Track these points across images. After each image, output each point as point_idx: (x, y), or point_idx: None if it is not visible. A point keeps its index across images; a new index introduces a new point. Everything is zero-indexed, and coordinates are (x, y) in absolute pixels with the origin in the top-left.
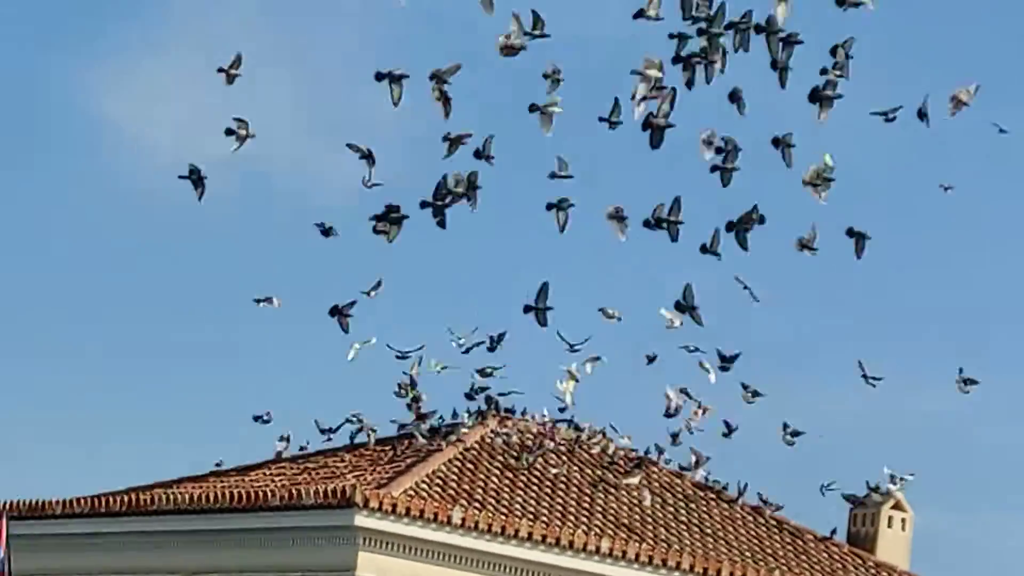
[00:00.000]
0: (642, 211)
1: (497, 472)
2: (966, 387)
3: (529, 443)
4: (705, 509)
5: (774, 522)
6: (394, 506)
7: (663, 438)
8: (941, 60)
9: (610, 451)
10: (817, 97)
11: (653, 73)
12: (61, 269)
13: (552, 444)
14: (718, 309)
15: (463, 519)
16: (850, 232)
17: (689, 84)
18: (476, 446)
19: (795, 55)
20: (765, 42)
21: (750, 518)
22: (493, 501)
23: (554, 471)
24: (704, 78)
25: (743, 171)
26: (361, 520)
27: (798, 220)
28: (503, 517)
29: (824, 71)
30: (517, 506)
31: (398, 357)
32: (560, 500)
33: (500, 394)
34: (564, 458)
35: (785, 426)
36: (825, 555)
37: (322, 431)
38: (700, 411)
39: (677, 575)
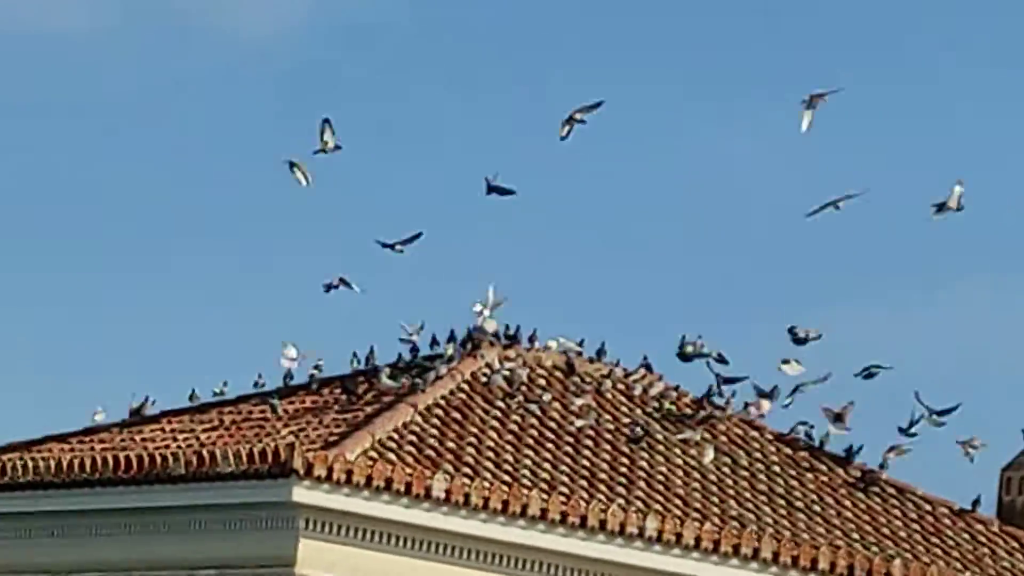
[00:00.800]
0: None
1: (496, 425)
2: None
3: (542, 384)
4: (795, 474)
5: (892, 491)
6: (348, 474)
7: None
8: None
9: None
10: None
11: None
12: None
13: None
14: None
15: (447, 491)
16: None
17: None
18: (465, 387)
19: None
20: None
21: (858, 486)
22: (491, 466)
23: (578, 423)
24: None
25: None
26: (301, 494)
27: None
28: (505, 488)
29: None
30: (525, 473)
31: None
32: (587, 464)
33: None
34: (592, 404)
35: None
36: (966, 535)
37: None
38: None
39: (754, 566)
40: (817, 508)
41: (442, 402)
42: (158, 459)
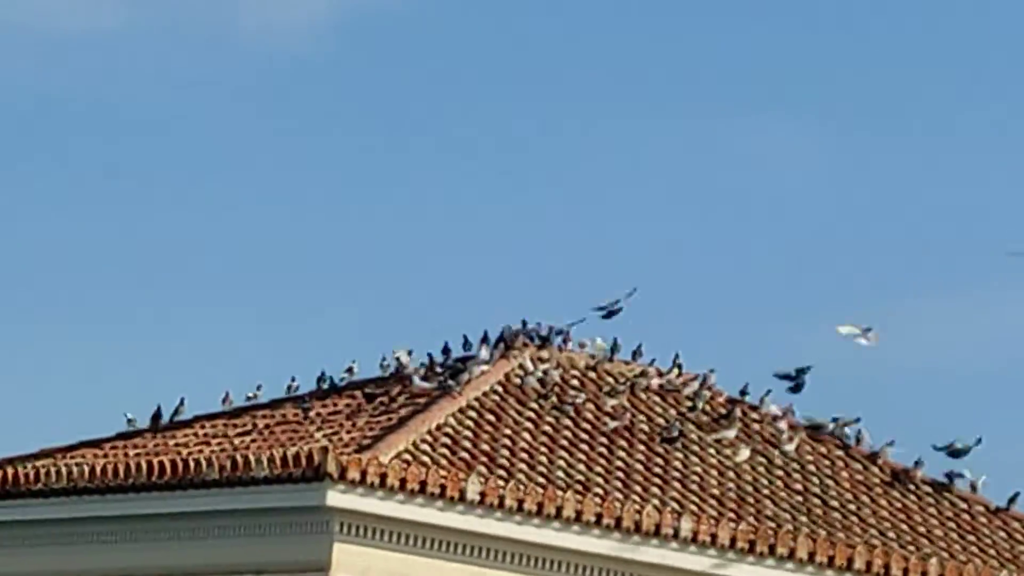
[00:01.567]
0: None
1: (529, 427)
2: None
3: (576, 384)
4: (830, 473)
5: (928, 488)
6: (382, 477)
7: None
8: None
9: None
10: None
11: None
12: None
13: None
14: None
15: (482, 493)
16: None
17: None
18: (499, 389)
19: None
20: None
21: (894, 484)
22: (525, 468)
23: (612, 423)
24: None
25: None
26: (336, 498)
27: None
28: (540, 490)
29: None
30: (560, 474)
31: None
32: (621, 465)
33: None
34: (627, 404)
35: None
36: (1002, 533)
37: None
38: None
39: (790, 566)
40: (852, 507)
41: (476, 404)
42: (192, 464)
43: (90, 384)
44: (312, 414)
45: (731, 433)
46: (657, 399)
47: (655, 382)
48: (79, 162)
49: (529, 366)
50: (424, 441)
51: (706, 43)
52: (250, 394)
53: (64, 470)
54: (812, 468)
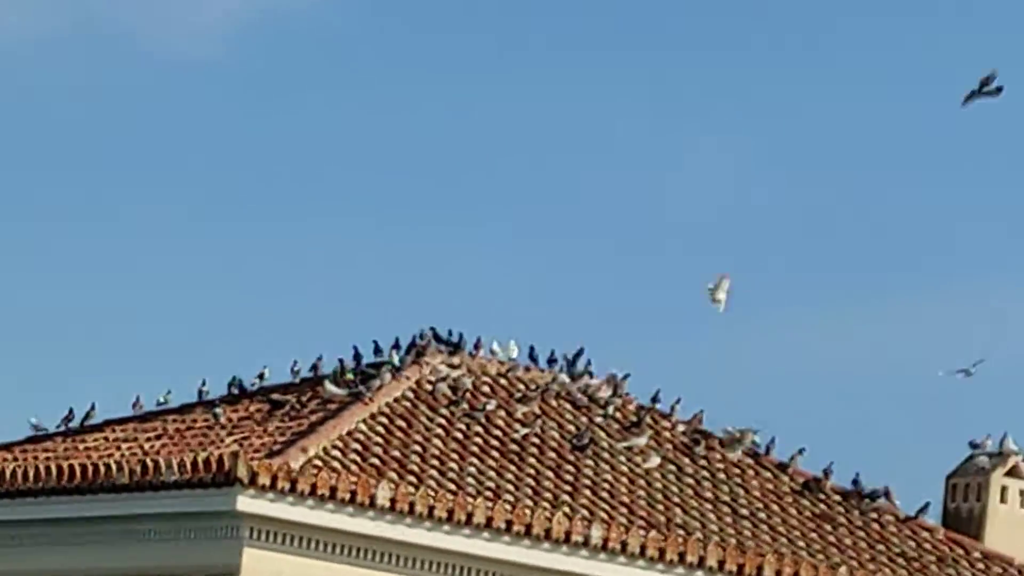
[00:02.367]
0: None
1: (441, 433)
2: None
3: (487, 391)
4: (740, 481)
5: (838, 497)
6: (293, 482)
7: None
8: None
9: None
10: None
11: None
12: None
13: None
14: None
15: (392, 499)
16: None
17: None
18: (410, 395)
19: None
20: None
21: (804, 492)
22: (436, 474)
23: (523, 431)
24: None
25: None
26: (246, 503)
27: None
28: (450, 497)
29: None
30: (470, 481)
31: None
32: (532, 472)
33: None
34: (537, 411)
35: None
36: (912, 543)
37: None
38: None
39: (700, 574)
40: (762, 515)
41: (387, 410)
42: (102, 468)
43: None
44: (223, 419)
45: (642, 440)
46: (568, 406)
47: (566, 389)
48: None
49: (440, 372)
50: (335, 447)
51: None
52: (160, 399)
53: None
54: (722, 476)
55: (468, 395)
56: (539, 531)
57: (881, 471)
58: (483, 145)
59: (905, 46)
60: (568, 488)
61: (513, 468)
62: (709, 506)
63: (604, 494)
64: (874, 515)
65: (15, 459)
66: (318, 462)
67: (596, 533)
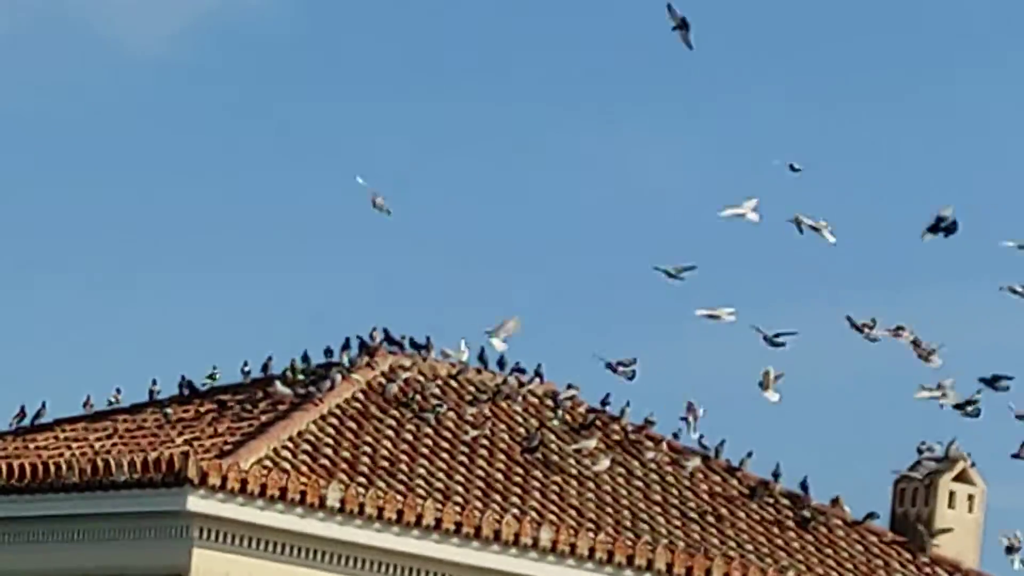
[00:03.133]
0: None
1: (391, 435)
2: None
3: (438, 392)
4: (689, 484)
5: (786, 501)
6: (243, 483)
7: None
8: None
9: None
10: None
11: None
12: None
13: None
14: None
15: (342, 500)
16: None
17: None
18: (360, 397)
19: None
20: None
21: (753, 496)
22: (385, 475)
23: (473, 432)
24: None
25: None
26: (196, 503)
27: None
28: (399, 498)
29: None
30: (420, 483)
31: None
32: (481, 474)
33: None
34: (488, 413)
35: None
36: (860, 547)
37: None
38: None
39: None
40: (711, 519)
41: (337, 411)
42: (52, 467)
43: None
44: (173, 419)
45: (591, 443)
46: (518, 408)
47: (516, 392)
48: None
49: (391, 373)
50: (285, 447)
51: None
52: (111, 398)
53: None
54: (671, 479)
55: (418, 397)
56: (488, 533)
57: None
58: (436, 142)
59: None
60: (518, 490)
61: (463, 470)
62: (659, 508)
63: (554, 496)
64: (822, 518)
65: None
66: (268, 463)
67: (545, 535)
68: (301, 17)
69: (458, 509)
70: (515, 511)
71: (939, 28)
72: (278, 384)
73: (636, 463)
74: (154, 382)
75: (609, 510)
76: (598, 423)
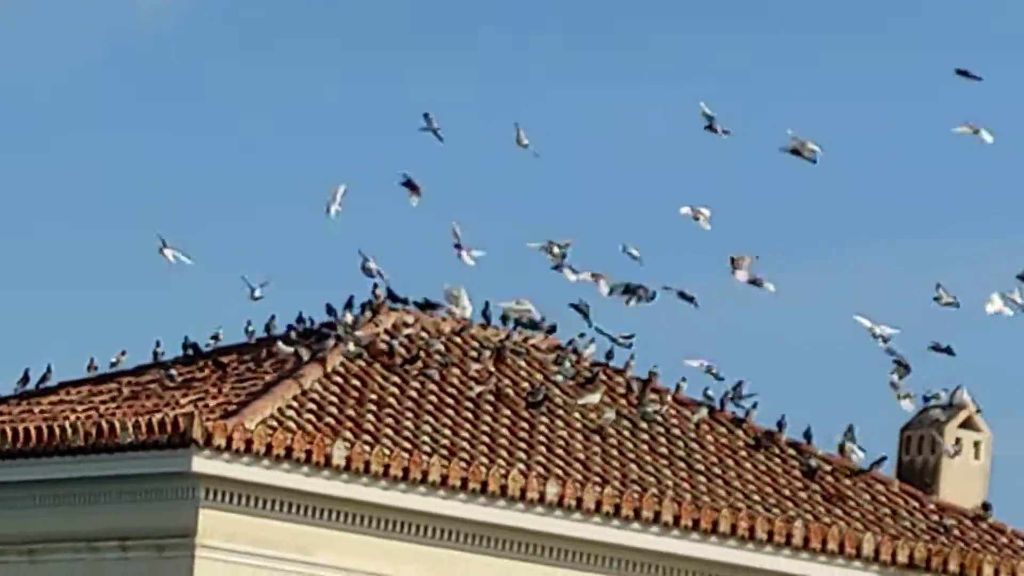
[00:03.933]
0: None
1: (395, 392)
2: None
3: (441, 349)
4: (695, 436)
5: (792, 451)
6: (248, 443)
7: None
8: None
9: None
10: None
11: None
12: None
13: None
14: None
15: (348, 459)
16: None
17: None
18: (364, 354)
19: None
20: None
21: (759, 447)
22: (391, 433)
23: (478, 388)
24: None
25: None
26: (201, 464)
27: None
28: (405, 455)
29: None
30: (425, 439)
31: None
32: (487, 429)
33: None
34: (492, 368)
35: None
36: (866, 496)
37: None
38: None
39: (655, 530)
40: (717, 470)
41: (341, 370)
42: (57, 430)
43: None
44: (178, 380)
45: (596, 397)
46: (523, 363)
47: (520, 346)
48: None
49: (394, 330)
50: (290, 407)
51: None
52: (114, 360)
53: None
54: (677, 432)
55: (422, 353)
56: (495, 488)
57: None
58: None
59: None
60: (523, 445)
61: (468, 426)
62: (664, 462)
63: (559, 451)
64: (828, 468)
65: None
66: (273, 422)
67: (552, 490)
68: None
69: (464, 465)
70: (521, 466)
71: None
72: (281, 344)
73: (640, 415)
74: (158, 344)
75: (615, 463)
76: (603, 377)
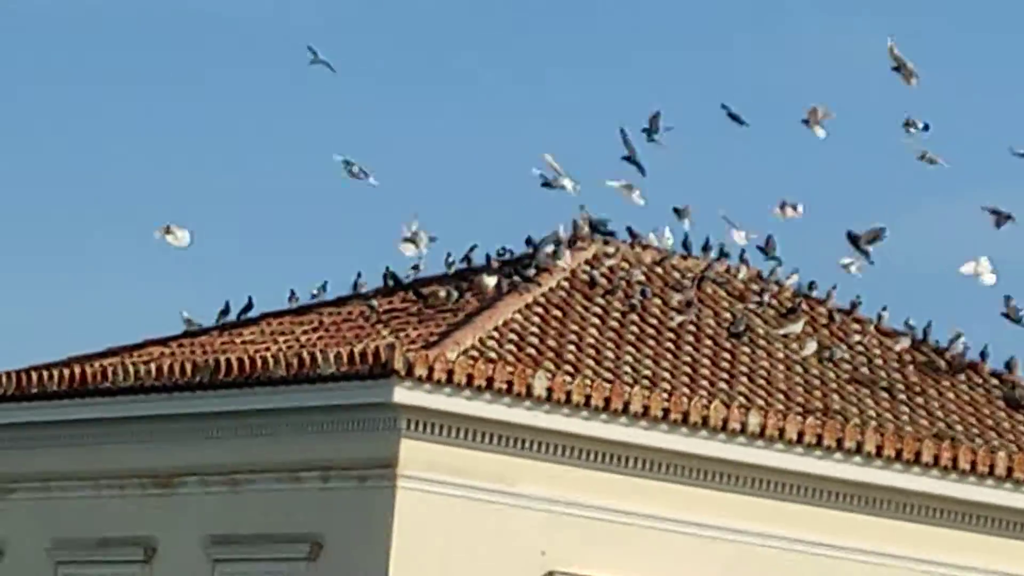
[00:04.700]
0: None
1: (596, 322)
2: None
3: (642, 280)
4: (897, 366)
5: (995, 382)
6: (449, 373)
7: None
8: None
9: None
10: None
11: None
12: None
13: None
14: None
15: (549, 389)
16: None
17: None
18: (565, 285)
19: None
20: None
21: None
22: (592, 363)
23: (678, 319)
24: None
25: None
26: (402, 395)
27: None
28: (607, 385)
29: None
30: (626, 370)
31: None
32: (688, 360)
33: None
34: (692, 299)
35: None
36: None
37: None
38: None
39: (857, 460)
40: (920, 400)
41: (542, 300)
42: (258, 361)
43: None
44: (379, 311)
45: (797, 327)
46: (723, 294)
47: (721, 276)
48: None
49: (595, 261)
50: (491, 337)
51: None
52: (315, 291)
53: (131, 368)
54: (879, 362)
55: (623, 283)
56: (696, 419)
57: None
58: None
59: None
60: (724, 376)
61: (669, 356)
62: (866, 391)
63: (760, 381)
64: None
65: (172, 353)
66: (474, 353)
67: (753, 420)
68: None
69: (665, 395)
70: (723, 396)
71: None
72: (484, 276)
73: (843, 346)
74: (359, 275)
75: (817, 394)
76: (804, 307)
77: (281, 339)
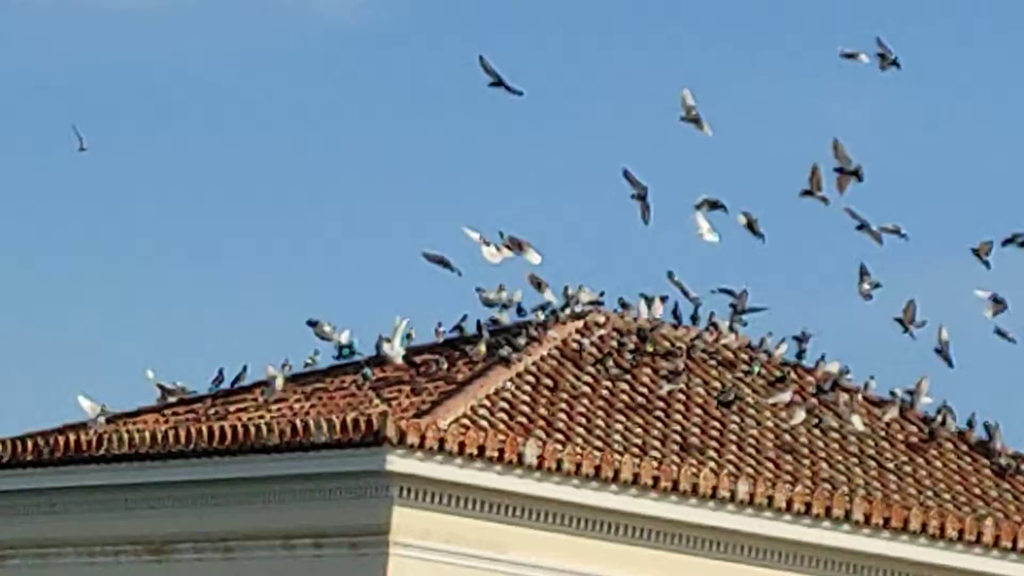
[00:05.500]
0: None
1: (587, 391)
2: None
3: (632, 349)
4: (884, 435)
5: (981, 450)
6: (441, 441)
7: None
8: None
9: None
10: None
11: None
12: None
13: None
14: None
15: (540, 457)
16: None
17: None
18: (556, 354)
19: None
20: None
21: (953, 448)
22: (582, 431)
23: (667, 387)
24: None
25: None
26: (395, 463)
27: None
28: (597, 453)
29: None
30: (616, 438)
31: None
32: (678, 428)
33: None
34: (681, 368)
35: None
36: None
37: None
38: None
39: (846, 528)
40: (908, 468)
41: (533, 369)
42: (252, 430)
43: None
44: (372, 379)
45: (786, 396)
46: (713, 363)
47: (711, 346)
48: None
49: (585, 331)
50: (482, 406)
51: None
52: (307, 360)
53: (126, 436)
54: (867, 431)
55: (613, 353)
56: (686, 487)
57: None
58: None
59: None
60: (714, 444)
61: (659, 425)
62: (854, 460)
63: (750, 449)
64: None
65: (167, 421)
66: (466, 421)
67: (742, 488)
68: None
69: (655, 463)
70: (712, 464)
71: None
72: (480, 344)
73: (831, 414)
74: (351, 344)
75: (806, 462)
76: (793, 376)
77: (274, 407)
